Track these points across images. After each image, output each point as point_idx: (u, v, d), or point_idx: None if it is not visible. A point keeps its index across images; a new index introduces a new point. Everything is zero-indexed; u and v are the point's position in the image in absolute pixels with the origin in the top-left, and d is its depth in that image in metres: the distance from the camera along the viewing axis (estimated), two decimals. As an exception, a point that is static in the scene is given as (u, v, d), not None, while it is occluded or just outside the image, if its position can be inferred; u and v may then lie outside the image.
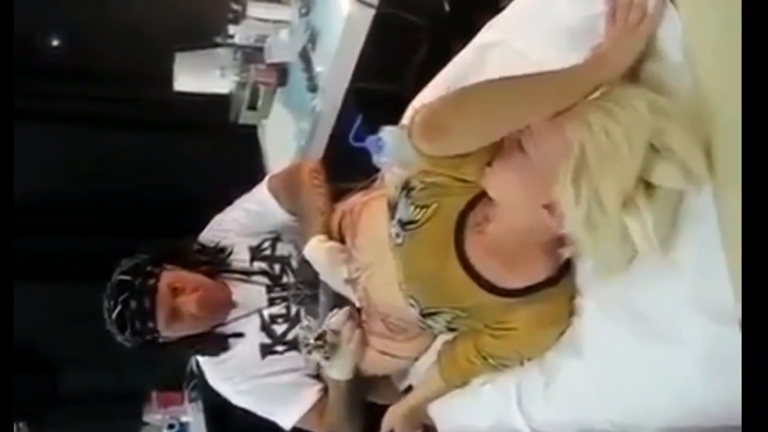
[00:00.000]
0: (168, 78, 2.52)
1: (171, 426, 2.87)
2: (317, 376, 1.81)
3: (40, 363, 2.85)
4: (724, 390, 1.01)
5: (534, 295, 1.30)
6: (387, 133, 1.32)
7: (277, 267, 1.86)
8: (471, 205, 1.35)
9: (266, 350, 1.81)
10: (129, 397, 2.90)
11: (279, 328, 1.81)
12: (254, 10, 2.27)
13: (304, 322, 1.75)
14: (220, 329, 1.82)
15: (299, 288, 1.81)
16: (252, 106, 2.56)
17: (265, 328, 1.81)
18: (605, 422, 1.22)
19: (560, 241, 1.18)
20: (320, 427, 1.79)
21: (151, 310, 1.67)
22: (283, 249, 1.88)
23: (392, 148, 1.29)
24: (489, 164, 1.21)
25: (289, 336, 1.80)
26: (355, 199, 1.72)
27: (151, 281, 1.70)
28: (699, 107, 1.02)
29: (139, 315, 1.67)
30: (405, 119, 1.51)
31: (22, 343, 2.60)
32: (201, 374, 2.01)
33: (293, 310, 1.82)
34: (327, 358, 1.62)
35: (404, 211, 1.40)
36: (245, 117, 2.61)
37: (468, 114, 1.13)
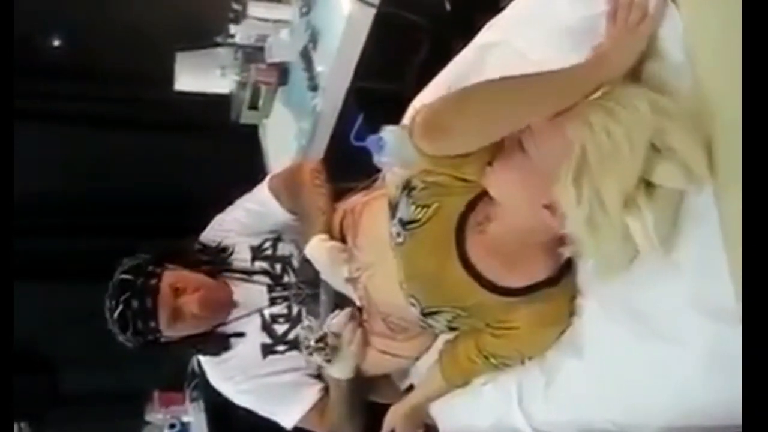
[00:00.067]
0: (169, 78, 2.52)
1: (172, 426, 2.87)
2: (318, 376, 1.81)
3: (40, 363, 2.85)
4: (725, 390, 1.01)
5: (534, 294, 1.30)
6: (388, 132, 1.32)
7: (278, 267, 1.86)
8: (472, 205, 1.35)
9: (267, 350, 1.81)
10: (130, 397, 2.89)
11: (280, 328, 1.81)
12: (255, 10, 2.27)
13: (305, 322, 1.74)
14: (221, 329, 1.82)
15: (300, 288, 1.81)
16: (253, 106, 2.56)
17: (266, 327, 1.81)
18: (606, 422, 1.22)
19: (561, 240, 1.18)
20: (321, 426, 1.79)
21: (153, 310, 1.67)
22: (284, 249, 1.88)
23: (393, 147, 1.29)
24: (490, 164, 1.21)
25: (290, 336, 1.80)
26: (356, 199, 1.72)
27: (153, 281, 1.70)
28: (700, 107, 1.02)
29: (141, 315, 1.67)
30: (406, 119, 1.51)
31: (22, 343, 2.60)
32: (202, 374, 2.01)
33: (294, 309, 1.82)
34: (328, 361, 1.62)
35: (405, 211, 1.40)
36: (246, 117, 2.62)
37: (469, 114, 1.13)
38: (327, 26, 2.02)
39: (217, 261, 1.85)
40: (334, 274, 1.65)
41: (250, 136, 2.71)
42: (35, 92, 2.58)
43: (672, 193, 1.05)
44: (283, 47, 2.26)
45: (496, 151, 1.19)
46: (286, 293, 1.83)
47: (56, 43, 2.64)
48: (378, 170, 1.66)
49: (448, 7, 2.23)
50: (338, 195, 1.80)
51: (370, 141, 1.34)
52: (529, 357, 1.36)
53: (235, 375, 1.82)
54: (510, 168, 1.18)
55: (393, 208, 1.45)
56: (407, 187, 1.41)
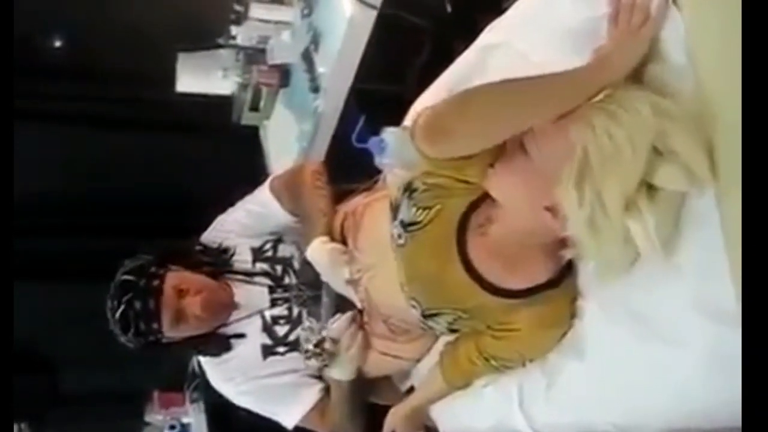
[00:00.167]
0: (170, 79, 2.52)
1: (172, 427, 2.86)
2: (319, 377, 1.81)
3: (40, 363, 2.85)
4: (725, 392, 1.01)
5: (535, 296, 1.30)
6: (389, 134, 1.32)
7: (279, 268, 1.86)
8: (473, 207, 1.35)
9: (268, 351, 1.81)
10: (130, 398, 2.89)
11: (281, 330, 1.82)
12: (256, 11, 2.26)
13: (306, 324, 1.74)
14: (222, 330, 1.82)
15: (301, 289, 1.82)
16: (254, 107, 2.56)
17: (267, 329, 1.82)
18: (607, 424, 1.22)
19: (562, 243, 1.18)
20: (323, 426, 1.79)
21: (155, 312, 1.68)
22: (285, 250, 1.88)
23: (395, 149, 1.29)
24: (491, 166, 1.21)
25: (291, 337, 1.81)
26: (357, 201, 1.72)
27: (156, 282, 1.70)
28: (702, 109, 1.02)
29: (144, 316, 1.67)
30: (407, 120, 1.52)
31: (22, 343, 2.59)
32: (203, 375, 2.01)
33: (295, 311, 1.82)
34: (325, 366, 1.62)
35: (406, 213, 1.40)
36: (247, 118, 2.62)
37: (471, 117, 1.13)
38: (328, 28, 2.02)
39: (218, 262, 1.85)
40: (334, 276, 1.65)
41: (252, 138, 2.71)
42: (35, 92, 2.57)
43: (673, 196, 1.05)
44: (284, 49, 2.26)
45: (497, 153, 1.19)
46: (286, 295, 1.83)
47: (57, 43, 2.64)
48: (379, 172, 1.66)
49: (449, 8, 2.23)
50: (339, 197, 1.80)
51: (372, 143, 1.34)
52: (530, 359, 1.36)
53: (236, 376, 1.82)
54: (512, 170, 1.18)
55: (394, 209, 1.45)
56: (408, 189, 1.41)
